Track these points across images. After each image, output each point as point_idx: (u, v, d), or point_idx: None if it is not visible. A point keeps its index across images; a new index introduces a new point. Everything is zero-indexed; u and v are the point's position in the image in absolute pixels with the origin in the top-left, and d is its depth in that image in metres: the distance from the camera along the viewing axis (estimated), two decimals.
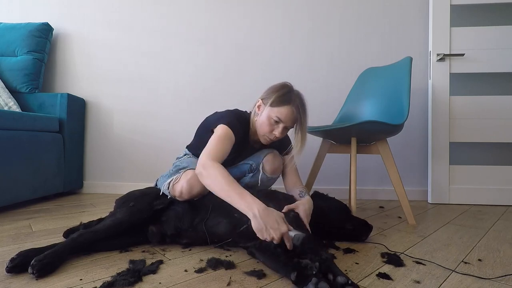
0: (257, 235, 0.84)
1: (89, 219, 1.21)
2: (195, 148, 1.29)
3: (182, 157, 1.33)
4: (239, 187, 0.93)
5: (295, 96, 1.15)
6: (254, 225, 0.84)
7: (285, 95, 1.13)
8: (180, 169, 1.16)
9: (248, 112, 1.29)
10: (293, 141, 1.18)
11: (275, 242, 0.82)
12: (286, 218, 0.89)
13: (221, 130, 1.11)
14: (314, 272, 0.68)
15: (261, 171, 1.25)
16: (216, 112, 1.29)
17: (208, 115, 1.32)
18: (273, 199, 1.05)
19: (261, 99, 1.19)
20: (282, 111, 1.12)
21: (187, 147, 1.37)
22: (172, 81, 2.18)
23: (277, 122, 1.14)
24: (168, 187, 1.10)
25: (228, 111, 1.25)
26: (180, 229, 1.00)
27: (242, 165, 1.29)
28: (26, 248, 0.95)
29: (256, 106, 1.21)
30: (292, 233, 0.83)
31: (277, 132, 1.14)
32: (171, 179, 1.12)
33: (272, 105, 1.13)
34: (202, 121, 1.32)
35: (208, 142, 1.09)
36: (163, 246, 1.01)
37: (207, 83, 2.15)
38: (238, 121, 1.17)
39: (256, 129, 1.20)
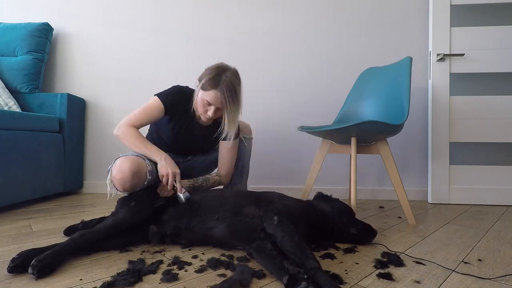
0: (159, 170, 1.09)
1: (90, 219, 1.21)
2: (151, 134, 1.41)
3: None
4: (147, 142, 1.17)
5: (225, 80, 1.17)
6: (159, 165, 1.10)
7: (214, 78, 1.17)
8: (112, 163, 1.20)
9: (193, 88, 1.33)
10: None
11: (169, 178, 1.07)
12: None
13: (150, 101, 1.24)
14: (305, 276, 0.69)
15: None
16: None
17: None
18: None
19: (198, 79, 1.24)
20: (209, 95, 1.17)
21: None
22: (172, 80, 2.17)
23: (208, 104, 1.20)
24: (113, 185, 1.12)
25: (173, 86, 1.32)
26: (179, 229, 1.00)
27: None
28: (26, 248, 0.95)
29: (196, 85, 1.25)
30: (184, 192, 1.07)
31: (210, 112, 1.20)
32: (108, 177, 1.15)
33: (202, 87, 1.19)
34: None
35: None
36: (163, 246, 1.01)
37: None
38: (177, 95, 1.26)
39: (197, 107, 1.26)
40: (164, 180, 1.08)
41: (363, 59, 2.08)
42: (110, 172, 1.13)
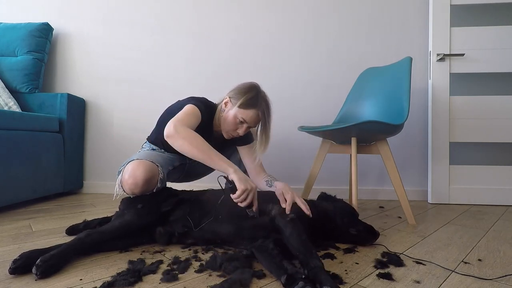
0: (238, 184, 0.93)
1: (89, 219, 1.21)
2: (157, 137, 1.29)
3: (140, 150, 1.34)
4: (216, 151, 1.01)
5: (262, 99, 1.18)
6: (236, 177, 0.94)
7: (253, 98, 1.17)
8: (122, 166, 1.17)
9: (215, 103, 1.32)
10: (257, 140, 1.22)
11: (250, 194, 0.93)
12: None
13: (189, 107, 1.14)
14: (303, 277, 0.69)
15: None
16: (179, 100, 1.29)
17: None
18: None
19: (229, 97, 1.22)
20: (248, 114, 1.16)
21: (147, 138, 1.38)
22: (172, 80, 2.18)
23: (242, 123, 1.18)
24: (121, 187, 1.09)
25: (192, 97, 1.28)
26: (187, 228, 1.01)
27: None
28: (26, 248, 0.95)
29: (223, 102, 1.23)
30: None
31: (241, 131, 1.20)
32: (119, 179, 1.12)
33: (239, 106, 1.16)
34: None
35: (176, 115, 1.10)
36: (163, 246, 1.01)
37: (207, 81, 2.15)
38: (204, 106, 1.20)
39: (220, 123, 1.23)
40: (243, 196, 0.94)
41: (363, 59, 2.08)
42: (121, 174, 1.11)
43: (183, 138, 1.00)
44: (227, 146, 1.35)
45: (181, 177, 1.41)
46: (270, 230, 0.94)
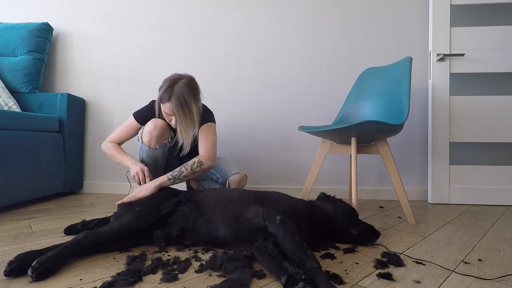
0: (132, 174, 1.29)
1: (89, 219, 1.21)
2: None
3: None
4: (124, 153, 1.37)
5: (176, 92, 1.25)
6: (131, 169, 1.30)
7: (164, 92, 1.27)
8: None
9: None
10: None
11: (140, 175, 1.26)
12: None
13: (128, 120, 1.44)
14: (303, 277, 0.69)
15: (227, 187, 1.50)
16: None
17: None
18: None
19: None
20: (165, 107, 1.30)
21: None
22: None
23: (168, 115, 1.32)
24: (141, 139, 1.40)
25: (149, 102, 1.48)
26: (184, 230, 1.00)
27: (209, 173, 1.54)
28: (26, 248, 0.95)
29: None
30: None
31: (173, 122, 1.34)
32: (140, 131, 1.44)
33: (159, 100, 1.31)
34: None
35: None
36: (160, 248, 1.00)
37: (207, 81, 2.15)
38: (148, 110, 1.43)
39: None
40: (136, 178, 1.27)
41: (363, 59, 2.08)
42: (142, 129, 1.42)
43: (105, 152, 1.42)
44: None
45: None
46: (268, 233, 0.93)
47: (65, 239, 1.05)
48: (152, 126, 1.36)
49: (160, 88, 1.31)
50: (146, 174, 1.26)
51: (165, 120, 1.39)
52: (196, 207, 1.05)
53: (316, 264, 0.74)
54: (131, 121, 1.43)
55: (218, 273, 0.79)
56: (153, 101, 1.46)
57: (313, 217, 1.02)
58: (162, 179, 1.21)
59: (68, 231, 1.12)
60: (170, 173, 1.24)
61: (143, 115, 1.43)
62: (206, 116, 1.44)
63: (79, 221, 1.17)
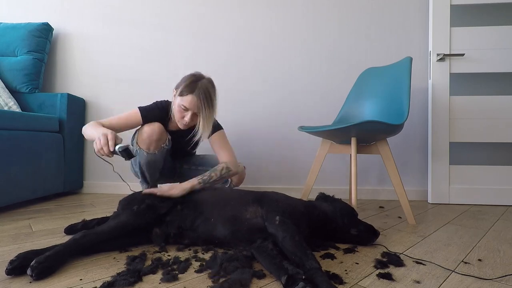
0: (97, 134, 1.08)
1: (89, 219, 1.21)
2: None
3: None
4: (100, 127, 1.16)
5: (201, 85, 1.26)
6: (98, 133, 1.09)
7: (190, 84, 1.26)
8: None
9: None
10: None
11: (102, 139, 1.05)
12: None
13: (132, 111, 1.35)
14: (303, 277, 0.69)
15: (229, 182, 1.53)
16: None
17: None
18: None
19: (174, 89, 1.32)
20: (187, 99, 1.26)
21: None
22: (172, 79, 2.17)
23: (185, 110, 1.28)
24: (136, 143, 1.34)
25: (155, 102, 1.42)
26: (182, 229, 1.00)
27: (201, 171, 1.50)
28: (26, 248, 0.95)
29: (173, 95, 1.34)
30: (118, 146, 1.06)
31: (187, 118, 1.29)
32: (136, 136, 1.37)
33: (180, 94, 1.27)
34: None
35: None
36: (159, 247, 1.00)
37: None
38: (158, 111, 1.38)
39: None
40: (97, 142, 1.06)
41: (363, 59, 2.08)
42: (136, 133, 1.37)
43: (83, 129, 1.23)
44: (191, 144, 1.45)
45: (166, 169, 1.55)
46: (267, 233, 0.93)
47: (65, 239, 1.05)
48: (150, 131, 1.32)
49: (180, 84, 1.29)
50: (109, 138, 1.06)
51: (161, 123, 1.36)
52: (195, 207, 1.05)
53: (316, 264, 0.74)
54: (135, 113, 1.35)
55: (217, 274, 0.79)
56: (165, 101, 1.42)
57: (312, 217, 1.02)
58: (193, 181, 1.19)
59: (69, 230, 1.13)
60: (200, 176, 1.23)
61: (151, 113, 1.36)
62: (217, 123, 1.43)
63: (79, 221, 1.17)
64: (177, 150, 1.50)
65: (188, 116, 1.28)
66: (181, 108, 1.28)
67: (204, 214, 1.02)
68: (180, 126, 1.34)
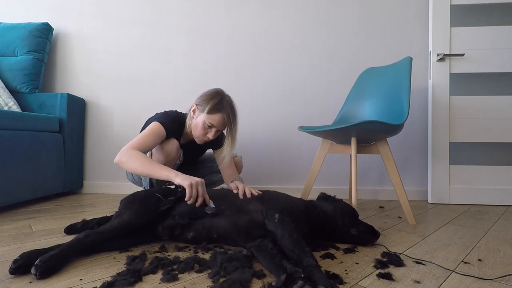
0: (183, 183, 0.99)
1: (89, 219, 1.21)
2: None
3: None
4: (157, 163, 1.10)
5: (227, 103, 1.27)
6: (179, 179, 1.02)
7: (218, 103, 1.26)
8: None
9: (183, 113, 1.42)
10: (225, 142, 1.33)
11: (199, 188, 0.99)
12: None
13: (152, 126, 1.24)
14: (302, 276, 0.70)
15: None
16: (157, 113, 1.38)
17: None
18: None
19: (196, 105, 1.30)
20: (215, 118, 1.25)
21: None
22: (172, 79, 2.18)
23: (210, 127, 1.28)
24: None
25: (166, 112, 1.37)
26: (191, 219, 1.02)
27: (210, 166, 1.54)
28: (26, 248, 0.95)
29: (191, 110, 1.32)
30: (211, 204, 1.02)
31: (210, 135, 1.29)
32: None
33: (206, 112, 1.25)
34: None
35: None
36: (162, 244, 1.01)
37: (207, 81, 2.15)
38: (175, 121, 1.32)
39: (191, 130, 1.33)
40: (194, 191, 0.98)
41: (363, 59, 2.08)
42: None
43: (126, 162, 1.11)
44: (202, 150, 1.49)
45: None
46: (266, 230, 0.95)
47: (65, 239, 1.05)
48: (169, 150, 1.25)
49: (203, 101, 1.27)
50: (203, 189, 1.02)
51: (176, 137, 1.32)
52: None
53: (313, 261, 0.75)
54: (160, 130, 1.23)
55: (217, 274, 0.79)
56: (179, 113, 1.38)
57: (311, 216, 1.03)
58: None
59: (69, 230, 1.13)
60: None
61: (171, 127, 1.28)
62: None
63: (79, 221, 1.17)
64: (184, 161, 1.46)
65: (212, 133, 1.28)
66: (205, 125, 1.26)
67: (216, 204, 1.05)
68: (198, 141, 1.33)
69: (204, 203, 1.01)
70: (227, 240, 1.00)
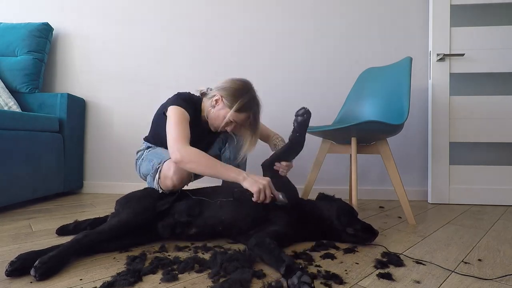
0: (251, 189, 0.99)
1: (82, 219, 1.21)
2: (154, 137, 1.36)
3: (143, 150, 1.36)
4: (221, 162, 1.07)
5: (255, 102, 1.23)
6: (247, 184, 1.00)
7: (247, 103, 1.20)
8: (158, 165, 1.17)
9: (197, 95, 1.34)
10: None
11: (267, 192, 0.99)
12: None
13: (174, 111, 1.15)
14: (300, 266, 0.73)
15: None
16: (168, 98, 1.29)
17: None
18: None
19: (221, 96, 1.21)
20: (241, 117, 1.21)
21: (145, 139, 1.41)
22: (173, 79, 2.18)
23: (232, 122, 1.23)
24: (159, 186, 1.14)
25: (179, 93, 1.29)
26: (191, 216, 1.04)
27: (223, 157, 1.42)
28: (26, 248, 0.95)
29: (213, 99, 1.23)
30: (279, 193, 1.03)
31: (229, 128, 1.25)
32: (156, 177, 1.15)
33: (234, 110, 1.18)
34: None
35: (167, 128, 1.12)
36: (162, 243, 1.01)
37: (208, 80, 2.14)
38: (191, 103, 1.23)
39: (208, 118, 1.27)
40: (261, 195, 0.99)
41: (363, 59, 2.08)
42: (158, 172, 1.13)
43: (190, 162, 1.04)
44: (214, 135, 1.39)
45: None
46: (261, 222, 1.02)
47: (66, 239, 1.05)
48: (177, 169, 1.11)
49: (232, 96, 1.19)
50: (271, 188, 1.02)
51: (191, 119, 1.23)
52: (200, 199, 1.09)
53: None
54: (185, 113, 1.16)
55: (217, 274, 0.79)
56: (194, 96, 1.31)
57: (309, 215, 1.06)
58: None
59: (60, 231, 1.12)
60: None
61: (189, 110, 1.19)
62: None
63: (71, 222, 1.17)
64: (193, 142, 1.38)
65: (231, 127, 1.24)
66: (228, 120, 1.20)
67: (211, 203, 1.08)
68: (213, 129, 1.29)
69: (274, 198, 1.02)
70: (231, 231, 1.04)
